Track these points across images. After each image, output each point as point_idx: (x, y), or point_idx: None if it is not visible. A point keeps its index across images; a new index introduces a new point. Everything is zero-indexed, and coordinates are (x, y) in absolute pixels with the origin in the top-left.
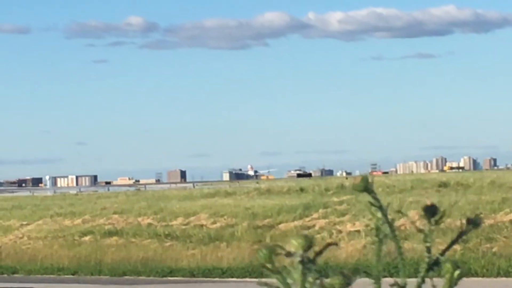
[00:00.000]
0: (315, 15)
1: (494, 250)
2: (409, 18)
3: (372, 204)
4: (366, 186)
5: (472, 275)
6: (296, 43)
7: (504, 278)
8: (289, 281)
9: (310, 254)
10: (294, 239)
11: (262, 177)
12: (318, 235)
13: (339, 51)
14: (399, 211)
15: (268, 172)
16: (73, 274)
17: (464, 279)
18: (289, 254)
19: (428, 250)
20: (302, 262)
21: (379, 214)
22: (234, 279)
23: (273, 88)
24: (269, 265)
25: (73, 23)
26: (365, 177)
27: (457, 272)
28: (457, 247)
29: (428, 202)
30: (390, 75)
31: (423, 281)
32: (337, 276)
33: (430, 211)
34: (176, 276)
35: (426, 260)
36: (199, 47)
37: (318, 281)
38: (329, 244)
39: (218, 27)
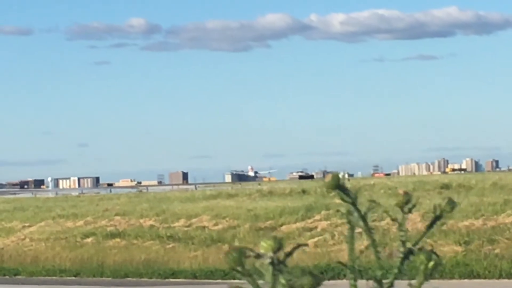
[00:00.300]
0: (317, 17)
1: (496, 251)
2: (411, 19)
3: (344, 200)
4: (337, 184)
5: (474, 277)
6: (298, 45)
7: (506, 280)
8: (260, 282)
9: (280, 255)
10: (264, 241)
11: (264, 179)
12: (321, 237)
13: (341, 52)
14: (372, 200)
15: (268, 173)
16: (75, 276)
17: (466, 280)
18: (258, 256)
19: (403, 240)
20: (272, 263)
21: (352, 209)
22: (237, 281)
23: (275, 90)
24: (239, 268)
25: (75, 25)
26: (335, 175)
27: (431, 263)
28: (458, 248)
29: (401, 191)
30: (392, 76)
31: (399, 272)
32: (306, 276)
33: (404, 200)
34: (178, 278)
35: (401, 250)
36: (201, 49)
37: (290, 282)
38: (299, 245)
39: (220, 28)
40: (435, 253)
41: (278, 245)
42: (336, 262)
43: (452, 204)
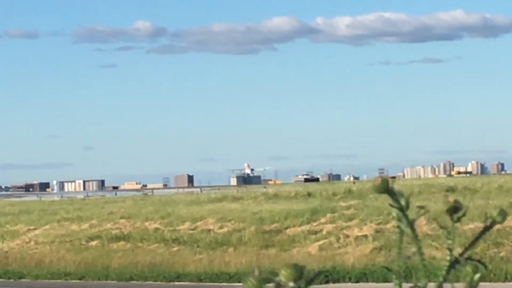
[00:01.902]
0: (323, 20)
1: (501, 254)
2: (417, 22)
3: (392, 206)
4: (386, 188)
5: (479, 280)
6: (304, 48)
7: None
8: None
9: (301, 283)
10: (284, 269)
11: (269, 182)
12: (326, 240)
13: (347, 55)
14: (421, 206)
15: (264, 170)
16: (80, 279)
17: None
18: (279, 285)
19: (450, 248)
20: None
21: (400, 215)
22: (242, 284)
23: (281, 93)
24: None
25: (80, 28)
26: (385, 179)
27: (477, 276)
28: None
29: (451, 199)
30: (397, 79)
31: (444, 280)
32: None
33: (453, 208)
34: (183, 281)
35: (448, 258)
36: (206, 52)
37: None
38: (320, 272)
39: (226, 31)
40: (483, 263)
41: (299, 274)
42: (381, 267)
43: (503, 214)
